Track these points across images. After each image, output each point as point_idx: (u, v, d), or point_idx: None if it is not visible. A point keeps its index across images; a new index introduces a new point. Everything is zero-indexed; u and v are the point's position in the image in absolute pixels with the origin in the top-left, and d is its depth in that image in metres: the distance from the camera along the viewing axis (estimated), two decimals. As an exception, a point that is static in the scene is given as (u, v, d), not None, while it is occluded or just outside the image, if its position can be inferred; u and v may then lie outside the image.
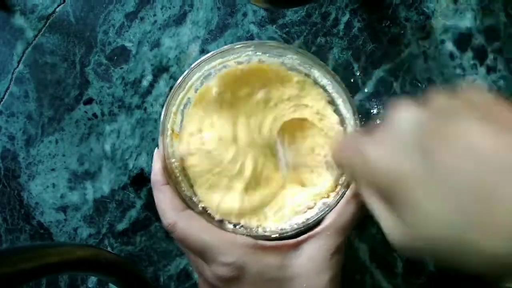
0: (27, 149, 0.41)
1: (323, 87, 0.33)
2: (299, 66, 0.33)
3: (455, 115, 0.20)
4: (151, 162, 0.40)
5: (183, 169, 0.33)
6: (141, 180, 0.40)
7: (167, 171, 0.31)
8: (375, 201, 0.23)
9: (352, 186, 0.30)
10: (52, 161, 0.41)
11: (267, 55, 0.32)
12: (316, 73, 0.32)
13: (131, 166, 0.40)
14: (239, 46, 0.32)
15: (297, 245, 0.29)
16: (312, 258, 0.29)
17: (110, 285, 0.41)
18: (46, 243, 0.38)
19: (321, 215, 0.30)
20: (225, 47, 0.31)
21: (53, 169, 0.41)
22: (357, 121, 0.31)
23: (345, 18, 0.39)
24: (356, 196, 0.30)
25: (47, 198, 0.41)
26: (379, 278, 0.38)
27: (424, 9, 0.38)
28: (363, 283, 0.38)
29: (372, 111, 0.38)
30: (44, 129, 0.41)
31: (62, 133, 0.41)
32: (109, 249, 0.40)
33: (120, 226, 0.40)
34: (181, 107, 0.33)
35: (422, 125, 0.21)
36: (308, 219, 0.31)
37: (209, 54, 0.31)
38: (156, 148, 0.32)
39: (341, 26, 0.39)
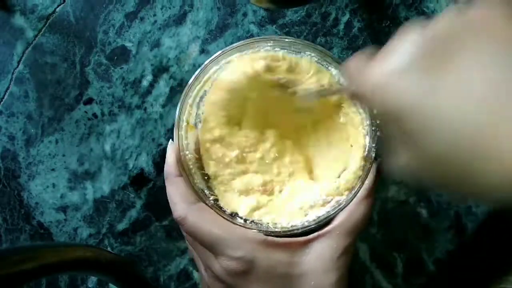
0: (27, 149, 0.41)
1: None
2: (317, 63, 0.33)
3: (456, 40, 0.19)
4: (151, 162, 0.40)
5: (198, 162, 0.33)
6: (141, 180, 0.40)
7: (181, 163, 0.31)
8: (384, 124, 0.22)
9: (365, 187, 0.30)
10: (52, 161, 0.41)
11: (286, 51, 0.33)
12: (334, 71, 0.32)
13: (131, 166, 0.40)
14: (258, 40, 0.32)
15: (306, 243, 0.29)
16: (321, 257, 0.29)
17: (110, 285, 0.41)
18: (46, 243, 0.38)
19: (332, 213, 0.30)
20: (244, 41, 0.32)
21: (53, 169, 0.41)
22: (373, 121, 0.31)
23: (345, 18, 0.39)
24: (369, 197, 0.30)
25: (47, 198, 0.41)
26: (379, 278, 0.38)
27: (424, 9, 0.38)
28: (363, 283, 0.38)
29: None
30: (44, 129, 0.41)
31: (62, 133, 0.41)
32: (109, 249, 0.40)
33: (120, 226, 0.40)
34: (197, 100, 0.33)
35: (422, 48, 0.20)
36: (319, 217, 0.31)
37: (227, 48, 0.32)
38: (171, 140, 0.32)
39: (341, 26, 0.39)
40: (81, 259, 0.23)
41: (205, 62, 0.32)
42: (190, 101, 0.32)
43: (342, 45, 0.38)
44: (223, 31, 0.39)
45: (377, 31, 0.38)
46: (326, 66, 0.33)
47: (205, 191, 0.32)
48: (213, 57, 0.32)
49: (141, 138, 0.40)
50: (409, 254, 0.37)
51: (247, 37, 0.39)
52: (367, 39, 0.38)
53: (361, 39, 0.38)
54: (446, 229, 0.37)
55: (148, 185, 0.40)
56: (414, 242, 0.37)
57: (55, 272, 0.22)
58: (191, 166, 0.32)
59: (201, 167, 0.33)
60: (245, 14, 0.39)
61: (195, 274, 0.39)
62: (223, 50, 0.31)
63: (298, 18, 0.39)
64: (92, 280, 0.40)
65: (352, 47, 0.38)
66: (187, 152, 0.32)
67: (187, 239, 0.32)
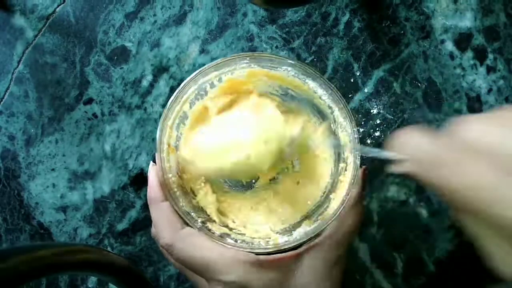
0: (27, 149, 0.41)
1: (320, 97, 0.33)
2: (294, 77, 0.32)
3: None
4: (151, 162, 0.40)
5: (181, 185, 0.32)
6: (141, 180, 0.40)
7: (165, 186, 0.30)
8: (478, 230, 0.20)
9: (352, 195, 0.30)
10: (52, 161, 0.41)
11: (262, 67, 0.32)
12: (312, 84, 0.32)
13: (131, 166, 0.40)
14: (234, 58, 0.31)
15: (298, 256, 0.29)
16: (313, 269, 0.28)
17: (110, 285, 0.41)
18: (46, 243, 0.38)
19: (323, 226, 0.30)
20: (219, 60, 0.31)
21: (53, 169, 0.41)
22: (354, 129, 0.31)
23: (345, 18, 0.38)
24: (356, 205, 0.30)
25: (47, 198, 0.41)
26: (379, 278, 0.38)
27: (424, 9, 0.38)
28: (363, 283, 0.38)
29: (372, 111, 0.38)
30: (44, 129, 0.41)
31: (62, 133, 0.41)
32: (109, 249, 0.40)
33: (120, 226, 0.40)
34: (177, 121, 0.32)
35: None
36: (309, 230, 0.31)
37: (203, 68, 0.31)
38: (151, 162, 0.31)
39: (341, 26, 0.39)
40: (81, 259, 0.23)
41: (183, 82, 0.31)
42: (169, 123, 0.31)
43: (342, 45, 0.38)
44: (223, 31, 0.39)
45: (377, 31, 0.38)
46: (303, 79, 0.32)
47: (192, 213, 0.31)
48: (191, 76, 0.31)
49: (141, 138, 0.40)
50: (409, 254, 0.37)
51: (247, 37, 0.39)
52: (367, 39, 0.38)
53: (361, 39, 0.38)
54: (446, 229, 0.37)
55: (148, 185, 0.40)
56: (414, 242, 0.37)
57: (55, 272, 0.22)
58: (175, 189, 0.31)
59: (185, 189, 0.32)
60: (245, 14, 0.39)
61: (195, 274, 0.40)
62: (199, 69, 0.31)
63: (298, 18, 0.39)
64: (92, 280, 0.40)
65: (352, 47, 0.38)
66: (170, 175, 0.31)
67: (175, 265, 0.30)
